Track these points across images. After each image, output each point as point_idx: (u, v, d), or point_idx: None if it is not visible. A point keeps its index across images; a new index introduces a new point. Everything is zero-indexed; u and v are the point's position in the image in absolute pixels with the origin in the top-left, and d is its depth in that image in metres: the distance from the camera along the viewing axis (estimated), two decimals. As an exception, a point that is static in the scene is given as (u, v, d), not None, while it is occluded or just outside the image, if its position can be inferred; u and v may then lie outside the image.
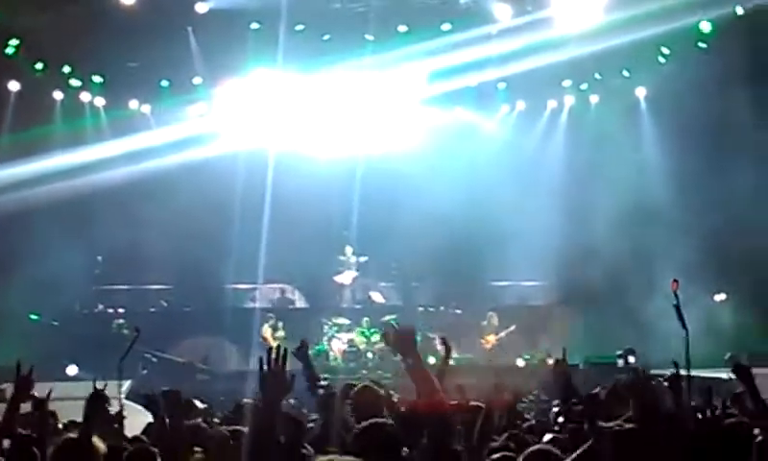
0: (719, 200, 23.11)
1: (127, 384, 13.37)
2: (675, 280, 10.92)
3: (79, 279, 24.04)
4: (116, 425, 10.13)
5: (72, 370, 20.39)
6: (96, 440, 6.15)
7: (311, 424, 7.97)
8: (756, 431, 6.27)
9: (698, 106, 23.32)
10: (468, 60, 24.53)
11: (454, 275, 25.13)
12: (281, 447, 4.87)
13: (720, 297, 23.35)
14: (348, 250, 25.61)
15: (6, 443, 6.48)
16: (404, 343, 5.17)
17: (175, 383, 16.52)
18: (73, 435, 6.23)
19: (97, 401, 7.56)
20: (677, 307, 10.43)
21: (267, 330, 23.71)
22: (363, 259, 25.80)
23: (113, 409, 10.13)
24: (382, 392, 7.63)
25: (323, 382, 7.67)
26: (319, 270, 26.09)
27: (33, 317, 22.90)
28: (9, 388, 9.37)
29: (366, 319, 24.58)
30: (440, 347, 8.44)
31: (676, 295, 10.57)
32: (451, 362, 8.96)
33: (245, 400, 9.21)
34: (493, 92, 27.29)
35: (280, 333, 23.52)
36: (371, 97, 26.98)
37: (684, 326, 10.46)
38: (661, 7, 21.85)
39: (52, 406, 10.55)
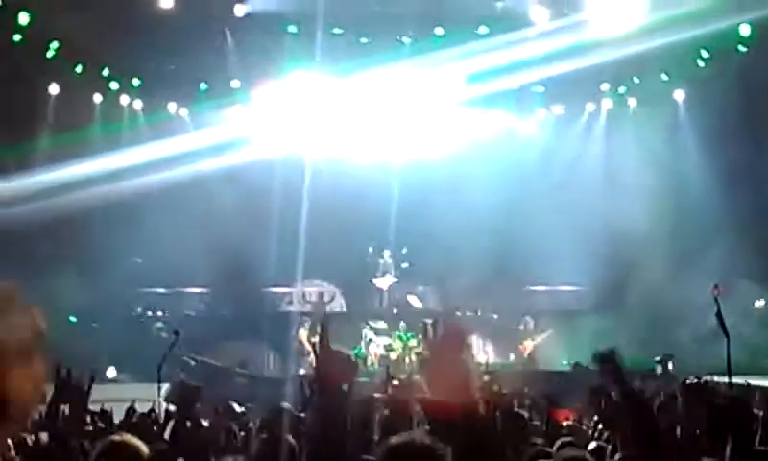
0: (760, 204, 22.93)
1: (166, 387, 13.41)
2: (716, 286, 10.87)
3: (118, 282, 24.19)
4: (155, 428, 10.19)
5: (111, 372, 20.51)
6: (139, 443, 6.17)
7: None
8: None
9: (738, 110, 23.17)
10: (505, 64, 24.41)
11: (491, 279, 25.03)
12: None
13: (760, 303, 23.12)
14: (386, 253, 25.58)
15: (44, 437, 6.52)
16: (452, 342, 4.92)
17: (213, 387, 16.67)
18: (117, 437, 6.25)
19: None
20: (718, 314, 10.38)
21: (303, 334, 23.72)
22: (405, 265, 25.64)
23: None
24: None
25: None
26: (357, 274, 26.08)
27: (72, 319, 23.02)
28: (47, 389, 9.45)
29: (402, 323, 24.55)
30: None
31: (717, 301, 10.52)
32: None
33: (284, 404, 9.20)
34: (531, 96, 27.18)
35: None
36: (408, 100, 26.95)
37: (725, 332, 10.41)
38: (700, 10, 21.68)
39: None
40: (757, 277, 22.49)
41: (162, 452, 6.44)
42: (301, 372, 21.22)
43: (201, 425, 9.07)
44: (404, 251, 25.53)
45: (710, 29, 22.54)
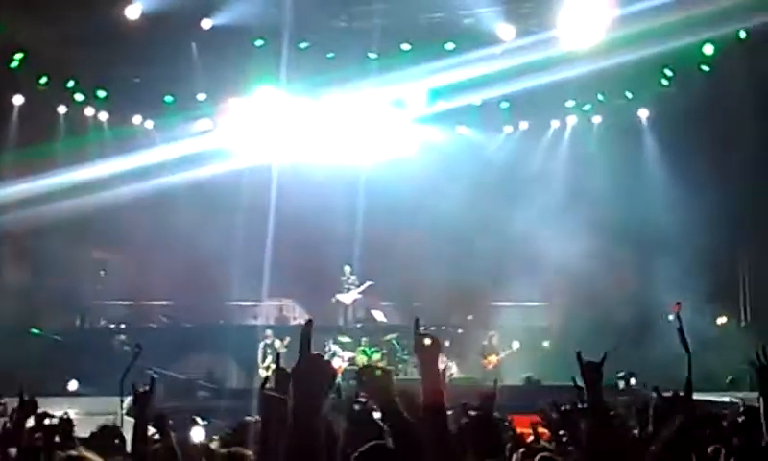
0: (721, 222, 23.12)
1: (128, 400, 13.31)
2: (678, 303, 10.92)
3: (81, 295, 24.03)
4: (117, 441, 10.11)
5: (73, 385, 20.35)
6: (96, 458, 6.14)
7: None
8: None
9: (700, 128, 23.38)
10: (471, 79, 24.48)
11: (456, 294, 25.04)
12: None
13: (721, 320, 23.30)
14: (347, 269, 25.47)
15: (13, 451, 6.48)
16: (433, 352, 5.02)
17: (176, 400, 16.59)
18: (75, 453, 6.20)
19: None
20: (680, 330, 10.43)
21: (267, 346, 23.51)
22: (369, 284, 25.47)
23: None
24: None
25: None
26: (321, 288, 26.01)
27: (34, 332, 22.86)
28: (8, 403, 9.37)
29: (364, 338, 24.48)
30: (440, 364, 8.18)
31: (678, 317, 10.57)
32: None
33: (247, 417, 9.15)
34: (497, 111, 27.29)
35: (278, 345, 23.23)
36: (374, 115, 26.98)
37: (686, 348, 10.45)
38: (665, 29, 21.82)
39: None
40: (718, 293, 22.66)
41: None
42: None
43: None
44: (370, 283, 25.32)
45: (674, 49, 22.72)
